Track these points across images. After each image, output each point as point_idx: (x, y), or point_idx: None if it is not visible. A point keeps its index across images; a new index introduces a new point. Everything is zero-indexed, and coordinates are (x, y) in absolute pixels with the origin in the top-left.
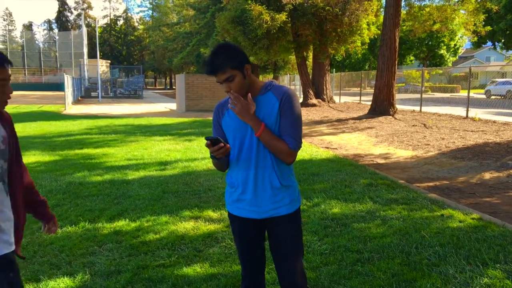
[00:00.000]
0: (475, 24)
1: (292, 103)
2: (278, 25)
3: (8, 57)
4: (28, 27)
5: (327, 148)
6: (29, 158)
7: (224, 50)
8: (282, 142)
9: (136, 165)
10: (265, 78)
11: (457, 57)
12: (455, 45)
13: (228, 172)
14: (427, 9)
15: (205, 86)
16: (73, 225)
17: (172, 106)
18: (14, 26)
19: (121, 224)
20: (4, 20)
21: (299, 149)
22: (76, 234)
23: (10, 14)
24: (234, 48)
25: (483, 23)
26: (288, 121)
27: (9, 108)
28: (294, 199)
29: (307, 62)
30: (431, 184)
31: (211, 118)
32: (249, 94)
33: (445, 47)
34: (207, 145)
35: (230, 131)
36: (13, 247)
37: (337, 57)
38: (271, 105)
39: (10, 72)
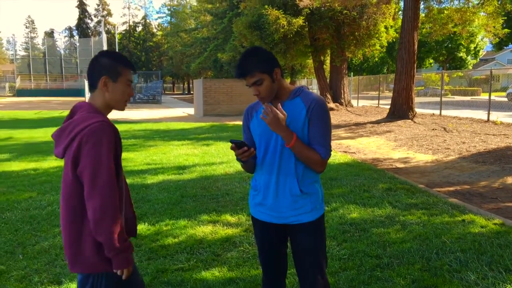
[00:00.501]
0: (494, 27)
1: (321, 111)
2: (295, 29)
3: (31, 63)
4: (50, 34)
5: (345, 152)
6: (51, 163)
7: (254, 54)
8: (314, 152)
9: (155, 170)
10: None
11: (478, 59)
12: (475, 47)
13: (254, 175)
14: (446, 12)
15: (223, 91)
16: None
17: (190, 111)
18: (36, 34)
19: (141, 228)
20: (26, 27)
21: (329, 157)
22: None
23: (32, 22)
24: (264, 52)
25: (504, 25)
26: (318, 130)
27: (31, 114)
28: (316, 207)
29: (324, 66)
30: (451, 188)
31: (228, 122)
32: (279, 104)
33: (464, 49)
34: (232, 148)
35: (256, 134)
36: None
37: (354, 61)
38: (298, 111)
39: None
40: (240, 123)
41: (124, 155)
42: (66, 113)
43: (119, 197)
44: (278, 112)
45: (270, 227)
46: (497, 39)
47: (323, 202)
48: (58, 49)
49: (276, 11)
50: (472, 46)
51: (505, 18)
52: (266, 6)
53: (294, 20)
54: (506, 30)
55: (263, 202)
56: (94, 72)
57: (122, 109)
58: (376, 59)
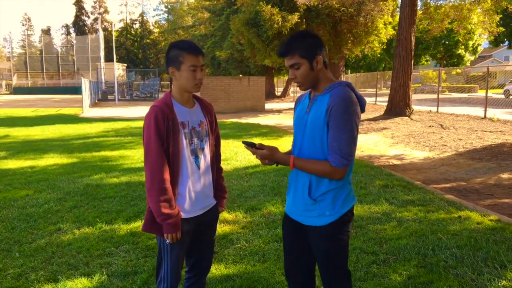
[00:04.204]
0: (489, 24)
1: (339, 113)
2: (290, 26)
3: (27, 61)
4: (46, 31)
5: None
6: (48, 160)
7: (300, 37)
8: (319, 163)
9: None
10: (280, 80)
11: (476, 56)
12: (473, 44)
13: None
14: (443, 9)
15: (220, 88)
16: (91, 227)
17: None
18: (33, 31)
19: (138, 225)
20: (23, 25)
21: (348, 166)
22: (93, 235)
23: (29, 19)
24: (311, 37)
25: (501, 22)
26: (332, 134)
27: (28, 112)
28: (324, 213)
29: None
30: (448, 185)
31: (226, 120)
32: (257, 147)
33: (462, 46)
34: (247, 148)
35: (294, 124)
36: (201, 212)
37: (352, 58)
38: (320, 109)
39: (202, 62)
40: (238, 120)
41: (121, 152)
42: (63, 111)
43: (173, 171)
44: (258, 151)
45: (291, 221)
46: (492, 37)
47: (339, 209)
48: (55, 46)
49: (271, 7)
50: (471, 42)
51: (501, 15)
52: (261, 3)
53: (290, 16)
54: (501, 28)
55: (289, 194)
56: (166, 64)
57: (194, 91)
58: (377, 55)
